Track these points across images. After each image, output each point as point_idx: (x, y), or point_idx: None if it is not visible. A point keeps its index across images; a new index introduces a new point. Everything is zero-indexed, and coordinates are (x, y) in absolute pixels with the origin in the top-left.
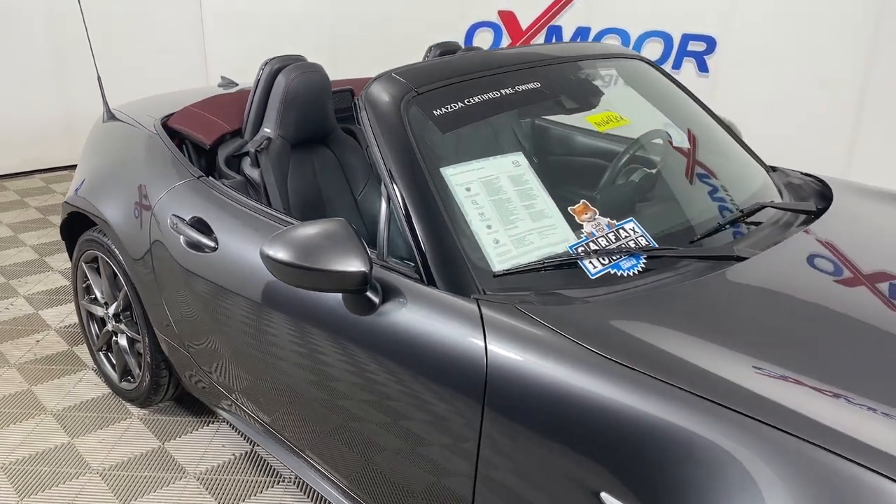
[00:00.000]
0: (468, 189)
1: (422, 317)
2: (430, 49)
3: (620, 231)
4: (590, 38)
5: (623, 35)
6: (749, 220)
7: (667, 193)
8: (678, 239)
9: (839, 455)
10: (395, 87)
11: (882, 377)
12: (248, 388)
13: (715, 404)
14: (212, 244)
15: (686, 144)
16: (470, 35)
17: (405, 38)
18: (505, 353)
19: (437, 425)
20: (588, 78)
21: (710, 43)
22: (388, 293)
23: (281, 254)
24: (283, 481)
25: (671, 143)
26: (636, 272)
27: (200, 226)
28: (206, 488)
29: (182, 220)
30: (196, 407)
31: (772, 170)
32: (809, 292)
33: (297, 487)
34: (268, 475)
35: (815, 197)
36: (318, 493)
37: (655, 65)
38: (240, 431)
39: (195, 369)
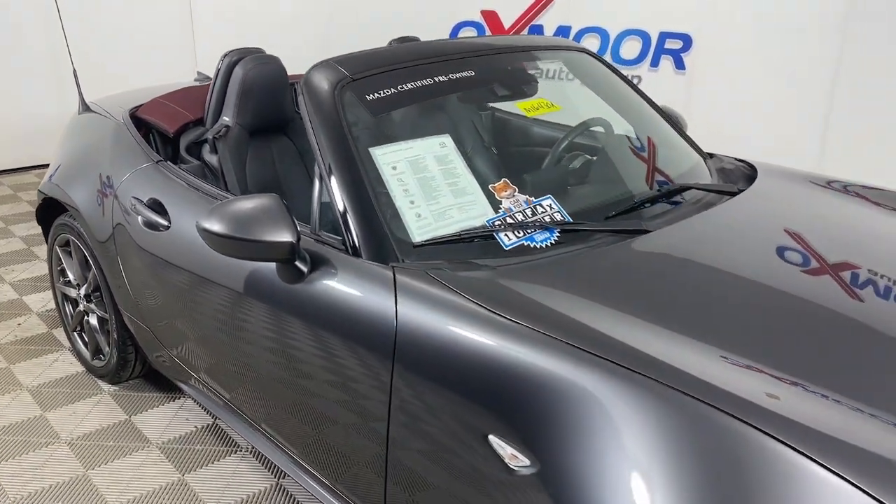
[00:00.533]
0: (394, 168)
1: (344, 284)
2: (390, 43)
3: (537, 207)
4: (570, 37)
5: (602, 34)
6: (672, 199)
7: (597, 175)
8: (595, 215)
9: (697, 398)
10: (331, 73)
11: (753, 332)
12: (206, 362)
13: (589, 353)
14: (165, 223)
15: (622, 132)
16: (454, 34)
17: (391, 37)
18: (411, 313)
19: (355, 384)
20: (529, 68)
21: (687, 41)
22: (316, 263)
23: (216, 226)
24: (241, 451)
25: (608, 130)
26: (549, 244)
27: (156, 206)
28: (166, 457)
29: (140, 201)
30: (163, 384)
31: (709, 156)
32: (702, 260)
33: (253, 456)
34: (226, 445)
35: (743, 180)
36: (271, 462)
37: (599, 56)
38: (203, 406)
39: (158, 346)
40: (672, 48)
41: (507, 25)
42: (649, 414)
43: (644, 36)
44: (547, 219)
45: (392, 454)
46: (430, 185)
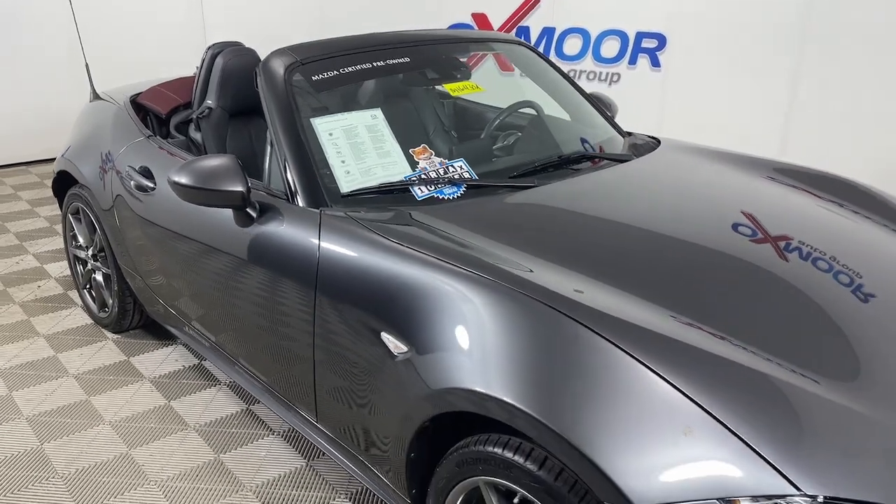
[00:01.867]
0: (331, 134)
1: (283, 226)
2: None
3: (449, 168)
4: (554, 37)
5: (584, 34)
6: (573, 165)
7: (519, 147)
8: (501, 175)
9: (526, 294)
10: (285, 58)
11: (588, 251)
12: (189, 307)
13: (455, 267)
14: (151, 185)
15: (548, 112)
16: None
17: None
18: (330, 247)
19: (290, 309)
20: (461, 57)
21: (661, 40)
22: (264, 210)
23: (183, 179)
24: (219, 384)
25: (538, 110)
26: (455, 197)
27: (145, 172)
28: (157, 389)
29: (133, 168)
30: (159, 333)
31: (627, 134)
32: (567, 206)
33: (230, 389)
34: (208, 380)
35: (647, 151)
36: (245, 391)
37: (535, 49)
38: (189, 347)
39: (150, 296)
40: (648, 47)
41: (495, 27)
42: (494, 309)
43: (622, 36)
44: (455, 176)
45: (317, 358)
46: (360, 148)
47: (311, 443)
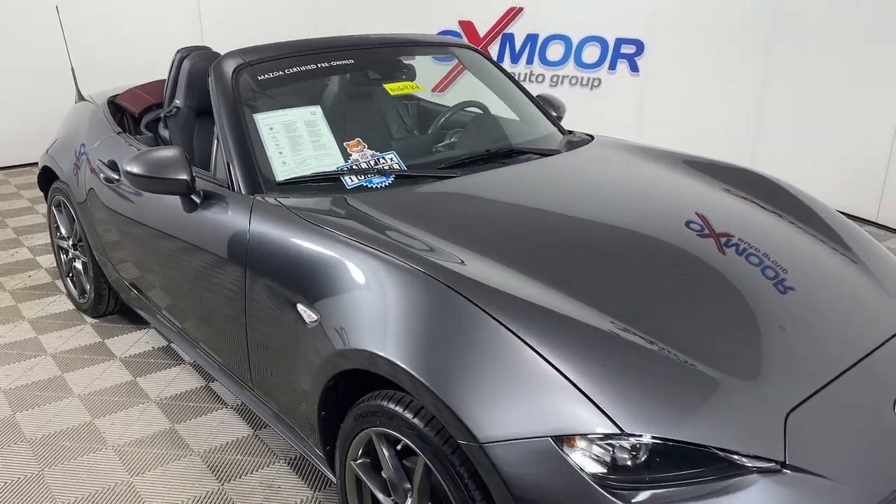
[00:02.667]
0: (271, 128)
1: (221, 211)
2: None
3: (380, 159)
4: (538, 44)
5: (566, 40)
6: (503, 159)
7: (458, 142)
8: (432, 167)
9: (423, 271)
10: (234, 60)
11: (495, 238)
12: (150, 289)
13: (363, 246)
14: (116, 177)
15: (493, 111)
16: None
17: None
18: (258, 229)
19: (225, 287)
20: (406, 60)
21: (639, 46)
22: (207, 197)
23: (134, 168)
24: (183, 364)
25: (482, 110)
26: (383, 186)
27: (112, 165)
28: (126, 368)
29: (102, 162)
30: (135, 318)
31: (568, 132)
32: (481, 194)
33: (193, 368)
34: (173, 360)
35: (579, 146)
36: (205, 370)
37: (485, 54)
38: (157, 329)
39: (120, 280)
40: (627, 52)
41: (481, 34)
42: (388, 281)
43: (602, 42)
44: (386, 167)
45: (249, 333)
46: (297, 141)
47: (258, 414)
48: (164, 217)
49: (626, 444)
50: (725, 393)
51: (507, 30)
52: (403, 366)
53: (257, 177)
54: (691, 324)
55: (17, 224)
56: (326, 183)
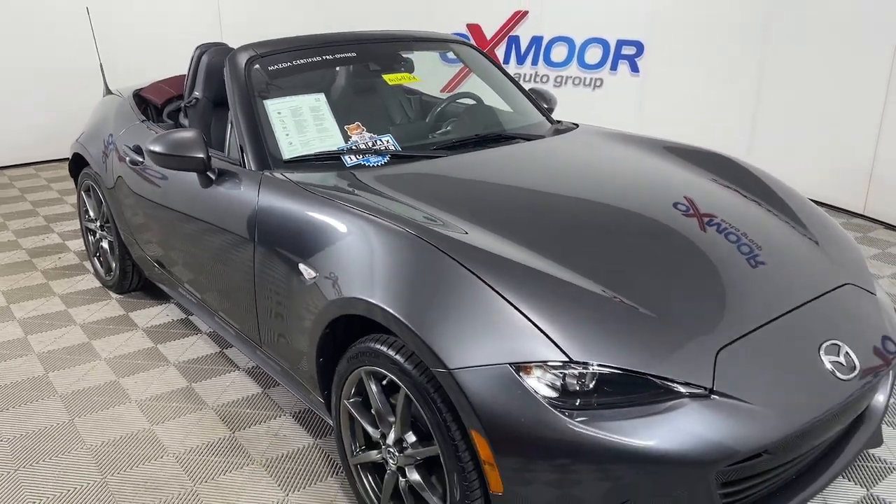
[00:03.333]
0: (279, 113)
1: (234, 186)
2: None
3: (377, 141)
4: (542, 45)
5: (569, 42)
6: (490, 143)
7: (453, 129)
8: (425, 149)
9: (410, 232)
10: (246, 52)
11: (475, 204)
12: (172, 263)
13: (358, 211)
14: (140, 160)
15: (485, 100)
16: None
17: None
18: (265, 200)
19: (237, 256)
20: (405, 54)
21: (639, 47)
22: (221, 174)
23: (156, 147)
24: (200, 333)
25: (476, 100)
26: (379, 165)
27: (137, 149)
28: (147, 336)
29: (128, 147)
30: (156, 294)
31: (557, 122)
32: (464, 174)
33: (210, 337)
34: (191, 330)
35: (564, 133)
36: (220, 338)
37: (479, 49)
38: (178, 302)
39: (147, 259)
40: (628, 54)
41: (488, 36)
42: (384, 242)
43: (604, 43)
44: (382, 148)
45: (258, 295)
46: (303, 124)
47: (268, 374)
48: (185, 198)
49: (575, 371)
50: (665, 332)
51: (513, 32)
52: (388, 308)
53: (266, 155)
54: (651, 280)
55: (48, 213)
56: (328, 161)
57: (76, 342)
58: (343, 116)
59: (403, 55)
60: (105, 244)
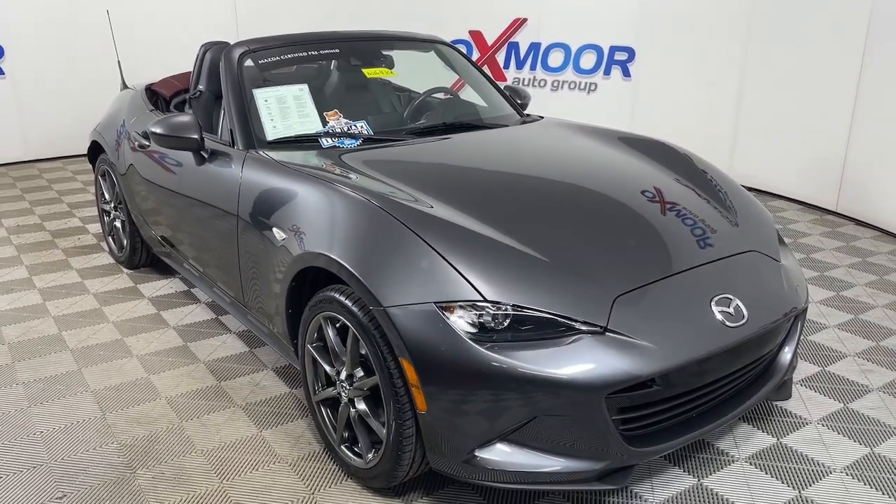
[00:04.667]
0: (266, 100)
1: (223, 165)
2: None
3: (352, 126)
4: (540, 51)
5: (566, 48)
6: (458, 131)
7: (426, 118)
8: (396, 135)
9: (361, 196)
10: (240, 47)
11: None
12: (174, 237)
13: (325, 181)
14: (147, 143)
15: (459, 94)
16: None
17: None
18: (247, 176)
19: (224, 228)
20: (386, 52)
21: (631, 53)
22: (213, 153)
23: (157, 129)
24: (199, 302)
25: (451, 94)
26: (352, 147)
27: (145, 135)
28: (152, 304)
29: (137, 132)
30: (163, 270)
31: (526, 115)
32: (434, 154)
33: (208, 306)
34: (192, 300)
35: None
36: (216, 307)
37: (456, 48)
38: (181, 276)
39: (155, 238)
40: (620, 59)
41: (489, 42)
42: (344, 207)
43: (598, 49)
44: (355, 132)
45: (241, 260)
46: (286, 111)
47: (255, 336)
48: (184, 180)
49: (491, 310)
50: (572, 281)
51: (513, 39)
52: (340, 261)
53: (252, 136)
54: (573, 242)
55: (71, 200)
56: (307, 143)
57: (88, 308)
58: (324, 105)
59: (384, 52)
60: (118, 223)
